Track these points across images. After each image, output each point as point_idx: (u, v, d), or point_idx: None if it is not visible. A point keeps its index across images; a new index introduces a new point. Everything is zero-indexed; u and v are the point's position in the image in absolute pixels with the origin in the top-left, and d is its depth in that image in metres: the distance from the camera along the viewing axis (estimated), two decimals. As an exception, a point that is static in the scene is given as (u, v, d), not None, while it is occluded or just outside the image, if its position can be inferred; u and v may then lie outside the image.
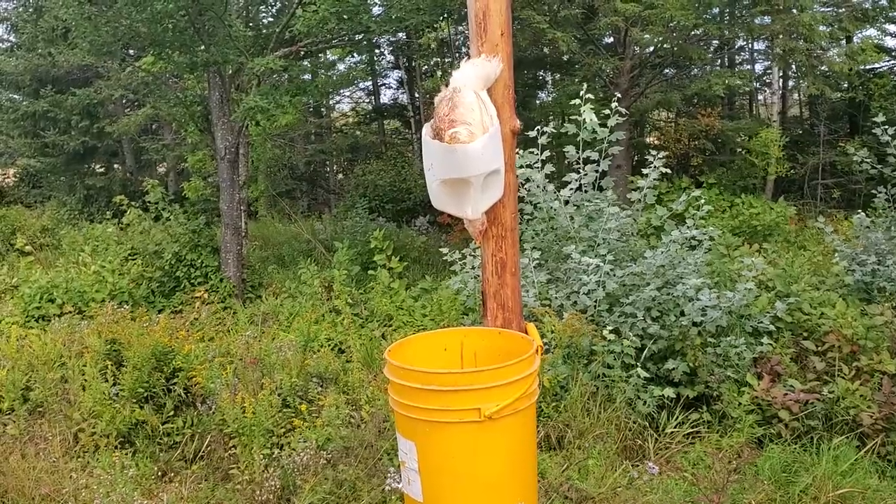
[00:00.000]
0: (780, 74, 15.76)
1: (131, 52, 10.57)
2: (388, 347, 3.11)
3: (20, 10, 18.03)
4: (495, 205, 3.24)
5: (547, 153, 5.75)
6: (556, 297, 5.27)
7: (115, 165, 21.98)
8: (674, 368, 4.92)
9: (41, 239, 12.73)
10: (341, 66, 18.68)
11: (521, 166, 5.92)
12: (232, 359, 5.84)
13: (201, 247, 9.75)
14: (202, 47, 8.07)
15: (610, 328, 4.94)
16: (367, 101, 24.18)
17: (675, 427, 4.62)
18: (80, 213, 17.69)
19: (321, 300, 8.53)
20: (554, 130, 5.81)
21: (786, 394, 4.71)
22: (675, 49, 11.56)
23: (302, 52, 9.17)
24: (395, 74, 23.65)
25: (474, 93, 2.74)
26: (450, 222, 14.14)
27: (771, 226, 11.14)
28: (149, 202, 10.19)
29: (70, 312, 7.34)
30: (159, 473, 4.71)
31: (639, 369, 4.75)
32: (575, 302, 5.21)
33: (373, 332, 7.48)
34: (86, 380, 5.10)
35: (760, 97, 18.83)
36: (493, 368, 2.91)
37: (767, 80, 16.51)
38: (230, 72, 8.61)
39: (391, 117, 24.88)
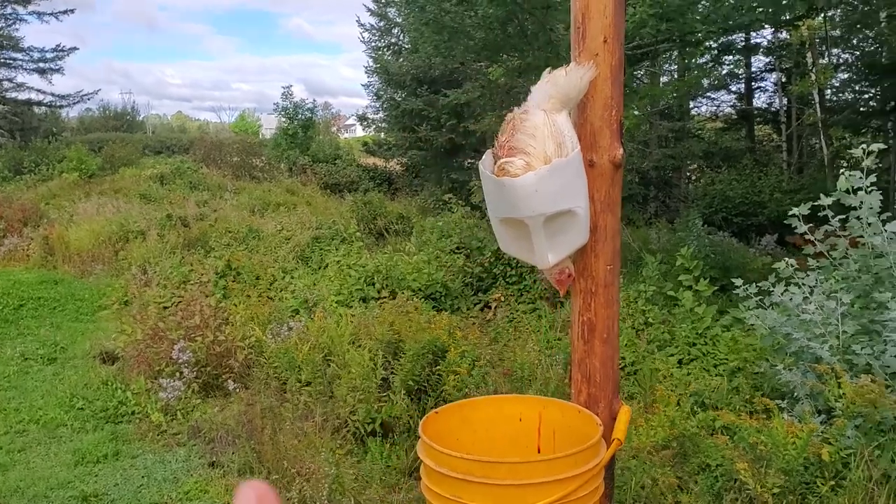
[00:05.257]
0: None
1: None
2: (435, 410, 2.59)
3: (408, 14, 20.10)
4: (584, 253, 2.57)
5: (873, 177, 4.71)
6: (860, 354, 4.29)
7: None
8: None
9: (395, 225, 14.01)
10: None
11: (848, 190, 4.94)
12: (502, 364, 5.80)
13: (522, 246, 9.86)
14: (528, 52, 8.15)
15: (926, 402, 3.88)
16: (737, 104, 22.78)
17: None
18: (444, 203, 19.21)
19: (623, 315, 8.12)
20: (883, 146, 4.71)
21: None
22: None
23: (629, 55, 8.76)
24: (774, 77, 22.06)
25: (545, 115, 2.18)
26: (802, 245, 12.54)
27: None
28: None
29: (385, 298, 7.89)
30: (408, 470, 4.82)
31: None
32: (888, 364, 4.19)
33: (668, 358, 6.95)
34: (350, 368, 5.43)
35: None
36: (514, 462, 2.28)
37: None
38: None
39: (765, 122, 23.20)
